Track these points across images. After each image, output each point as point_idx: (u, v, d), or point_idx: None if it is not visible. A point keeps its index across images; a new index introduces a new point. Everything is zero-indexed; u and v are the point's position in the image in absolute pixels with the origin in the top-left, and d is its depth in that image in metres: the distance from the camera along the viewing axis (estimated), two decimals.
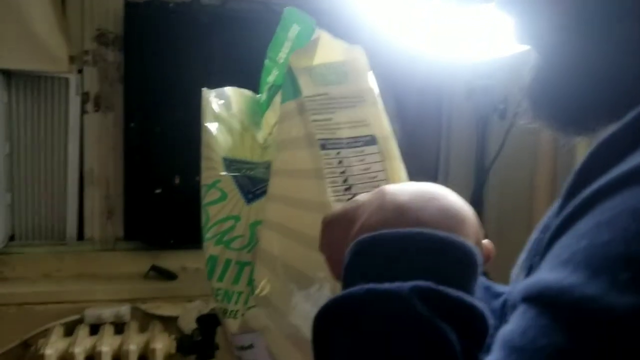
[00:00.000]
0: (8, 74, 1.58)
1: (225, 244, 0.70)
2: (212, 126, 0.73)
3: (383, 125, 0.70)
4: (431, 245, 0.41)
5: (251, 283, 0.66)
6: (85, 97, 1.66)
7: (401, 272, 0.40)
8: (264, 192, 0.68)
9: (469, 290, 0.40)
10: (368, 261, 0.42)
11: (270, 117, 0.74)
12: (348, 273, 0.43)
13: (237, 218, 0.70)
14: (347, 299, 0.40)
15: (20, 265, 1.64)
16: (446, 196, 0.46)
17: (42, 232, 1.69)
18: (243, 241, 0.69)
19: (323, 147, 0.63)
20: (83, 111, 1.67)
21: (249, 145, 0.75)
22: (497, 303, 0.63)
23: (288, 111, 0.63)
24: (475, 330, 0.38)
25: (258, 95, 0.77)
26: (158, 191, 1.66)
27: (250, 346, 0.65)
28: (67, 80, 1.63)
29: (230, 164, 0.72)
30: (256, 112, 0.76)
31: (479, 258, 0.42)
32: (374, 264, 0.42)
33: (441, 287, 0.38)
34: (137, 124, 1.64)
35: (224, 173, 0.71)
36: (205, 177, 0.72)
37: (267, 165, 0.71)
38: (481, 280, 0.67)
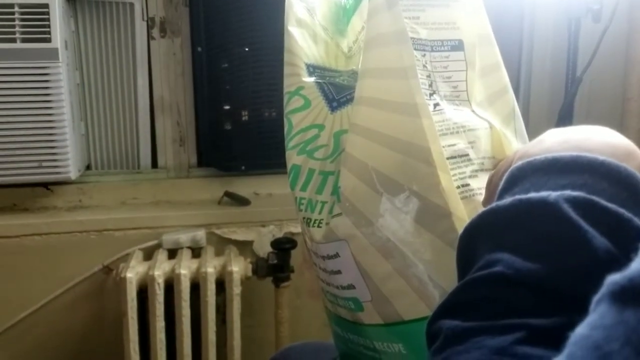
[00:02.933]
0: (73, 1, 1.57)
1: (308, 154, 0.66)
2: (295, 31, 0.69)
3: (475, 30, 0.64)
4: (589, 165, 0.39)
5: (336, 192, 0.62)
6: (151, 23, 1.64)
7: (552, 187, 0.38)
8: (348, 100, 0.65)
9: (628, 211, 0.37)
10: (519, 182, 0.41)
11: (357, 22, 0.69)
12: (499, 197, 0.42)
13: (320, 127, 0.66)
14: (492, 210, 0.39)
15: (98, 193, 1.67)
16: (611, 132, 0.45)
17: (117, 161, 1.71)
18: (327, 151, 0.66)
19: None
20: (149, 37, 1.64)
21: (333, 53, 0.71)
22: None
23: (377, 5, 0.58)
24: (633, 244, 0.34)
25: (344, 0, 0.72)
26: (228, 127, 1.63)
27: (336, 255, 0.62)
28: (132, 5, 1.61)
29: (314, 70, 0.68)
30: (340, 19, 0.72)
31: None
32: (525, 183, 0.41)
33: (594, 197, 0.36)
34: (204, 48, 1.60)
35: (307, 79, 0.66)
36: (288, 84, 0.69)
37: (352, 74, 0.67)
38: None
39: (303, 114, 0.67)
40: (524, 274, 0.36)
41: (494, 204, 0.39)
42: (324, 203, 0.64)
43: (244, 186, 1.71)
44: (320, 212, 0.64)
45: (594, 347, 0.26)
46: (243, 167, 1.68)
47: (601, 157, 0.39)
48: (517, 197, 0.38)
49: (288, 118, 0.68)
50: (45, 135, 1.48)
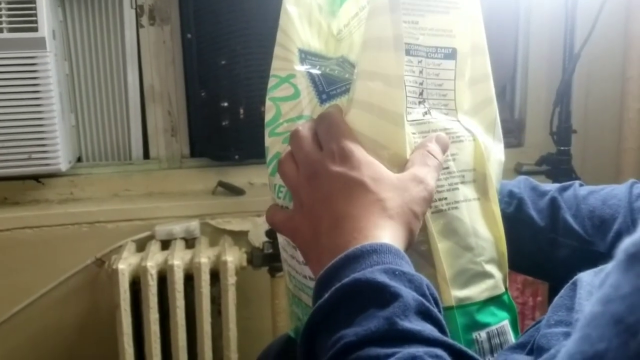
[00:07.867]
0: None
1: None
2: (293, 10, 0.65)
3: (470, 39, 0.63)
4: (370, 251, 0.47)
5: None
6: (139, 11, 1.61)
7: (356, 271, 0.45)
8: (338, 94, 0.63)
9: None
10: (327, 285, 0.46)
11: (351, 6, 0.67)
12: (315, 300, 0.47)
13: (309, 118, 0.64)
14: (318, 306, 0.45)
15: (90, 185, 1.65)
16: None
17: (109, 153, 1.68)
18: None
19: (407, 52, 0.58)
20: (139, 25, 1.61)
21: (324, 37, 0.69)
22: (544, 202, 0.70)
23: (378, 7, 0.57)
24: (428, 291, 0.45)
25: None
26: (225, 123, 1.61)
27: None
28: None
29: (306, 57, 0.66)
30: (334, 0, 0.69)
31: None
32: (333, 282, 0.46)
33: (389, 265, 0.45)
34: (194, 34, 1.57)
35: (299, 68, 0.64)
36: (278, 68, 0.66)
37: (341, 62, 0.65)
38: (528, 181, 0.73)
39: (292, 104, 0.64)
40: (364, 334, 0.40)
41: (317, 303, 0.44)
42: None
43: (238, 176, 1.69)
44: None
45: (614, 322, 0.25)
46: (237, 157, 1.65)
47: (368, 245, 0.46)
48: (333, 288, 0.43)
49: (276, 104, 0.65)
50: (34, 126, 1.45)
